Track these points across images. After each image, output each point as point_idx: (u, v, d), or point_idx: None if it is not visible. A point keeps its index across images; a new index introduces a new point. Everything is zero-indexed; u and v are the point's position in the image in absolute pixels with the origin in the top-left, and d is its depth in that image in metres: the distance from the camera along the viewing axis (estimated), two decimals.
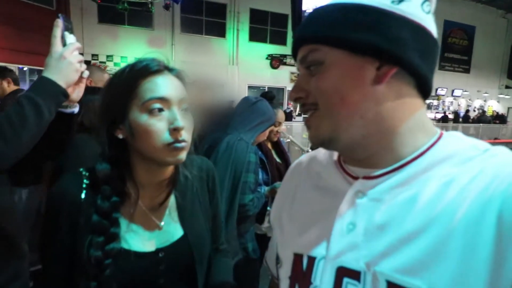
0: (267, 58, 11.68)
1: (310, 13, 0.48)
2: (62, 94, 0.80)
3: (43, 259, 0.68)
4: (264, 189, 1.72)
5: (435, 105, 15.14)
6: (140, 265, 0.67)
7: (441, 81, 14.30)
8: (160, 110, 0.63)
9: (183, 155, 0.66)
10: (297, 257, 0.50)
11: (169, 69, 0.68)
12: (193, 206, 0.78)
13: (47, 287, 0.68)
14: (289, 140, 4.43)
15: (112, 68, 9.35)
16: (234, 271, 0.91)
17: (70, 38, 0.84)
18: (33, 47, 6.66)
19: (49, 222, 0.67)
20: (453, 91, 15.24)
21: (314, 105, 0.46)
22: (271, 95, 1.83)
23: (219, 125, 1.52)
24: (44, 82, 0.78)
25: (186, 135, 0.66)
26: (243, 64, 11.31)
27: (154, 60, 0.66)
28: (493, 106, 16.57)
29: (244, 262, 1.46)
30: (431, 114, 14.43)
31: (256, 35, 11.45)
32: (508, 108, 16.64)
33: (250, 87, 11.63)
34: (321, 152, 0.58)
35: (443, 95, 15.02)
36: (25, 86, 5.96)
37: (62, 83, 0.79)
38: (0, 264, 0.87)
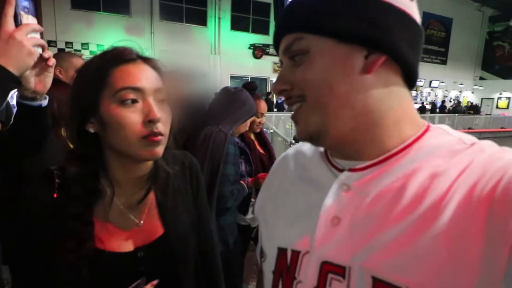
0: (249, 48, 11.57)
1: (293, 0, 0.46)
2: (11, 80, 0.71)
3: (15, 266, 0.64)
4: (247, 180, 1.70)
5: (413, 96, 15.55)
6: (118, 265, 0.64)
7: (420, 72, 14.55)
8: (134, 101, 0.59)
9: (159, 150, 0.62)
10: (281, 251, 0.49)
11: (143, 58, 0.64)
12: (174, 204, 0.74)
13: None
14: (272, 131, 4.43)
15: (88, 56, 8.96)
16: None
17: (27, 19, 0.76)
18: None
19: (20, 225, 0.63)
20: (430, 82, 15.73)
21: (300, 97, 0.45)
22: (253, 86, 1.80)
23: (198, 116, 1.48)
24: None
25: (163, 128, 0.62)
26: (225, 54, 11.16)
27: (126, 49, 0.62)
28: (468, 97, 17.24)
29: (224, 255, 1.45)
30: None
31: (238, 24, 11.29)
32: (482, 98, 17.37)
33: (232, 77, 11.52)
34: (307, 144, 0.57)
35: (421, 86, 15.46)
36: None
37: (11, 68, 0.70)
38: None
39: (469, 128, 12.01)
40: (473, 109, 14.89)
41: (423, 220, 0.38)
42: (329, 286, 0.42)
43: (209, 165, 1.37)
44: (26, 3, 0.76)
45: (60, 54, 1.91)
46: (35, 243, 0.61)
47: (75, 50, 8.91)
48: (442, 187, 0.38)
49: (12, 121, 0.93)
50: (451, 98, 16.70)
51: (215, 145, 1.37)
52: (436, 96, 16.26)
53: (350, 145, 0.45)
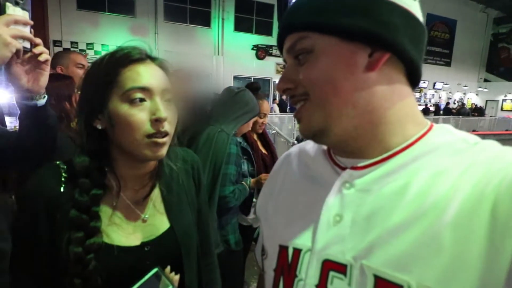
0: (252, 49, 11.56)
1: None
2: None
3: (20, 260, 0.64)
4: (250, 180, 1.71)
5: (417, 98, 15.46)
6: (125, 259, 0.65)
7: (423, 74, 14.28)
8: (142, 100, 0.61)
9: (163, 151, 0.64)
10: (283, 249, 0.49)
11: (152, 58, 0.66)
12: (179, 199, 0.76)
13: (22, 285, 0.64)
14: (275, 131, 4.43)
15: (93, 56, 9.04)
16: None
17: (14, 10, 0.73)
18: None
19: (25, 220, 0.63)
20: (434, 83, 15.60)
21: (304, 95, 0.45)
22: (256, 86, 1.80)
23: (201, 116, 1.49)
24: None
25: (169, 127, 0.63)
26: (228, 55, 11.16)
27: (135, 48, 0.64)
28: (472, 99, 17.10)
29: (226, 255, 1.46)
30: None
31: (241, 25, 11.28)
32: (486, 101, 17.21)
33: (235, 78, 11.51)
34: (311, 143, 0.57)
35: (425, 88, 15.35)
36: None
37: None
38: None
39: (474, 131, 11.89)
40: (478, 111, 14.75)
41: (426, 219, 0.38)
42: (330, 284, 0.42)
43: (211, 165, 1.37)
44: None
45: (58, 53, 1.99)
46: (41, 236, 0.62)
47: (80, 50, 8.95)
48: (445, 185, 0.38)
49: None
50: (455, 100, 16.57)
51: (217, 145, 1.37)
52: (440, 98, 16.14)
53: (353, 142, 0.45)
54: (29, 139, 0.90)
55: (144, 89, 0.61)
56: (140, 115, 0.60)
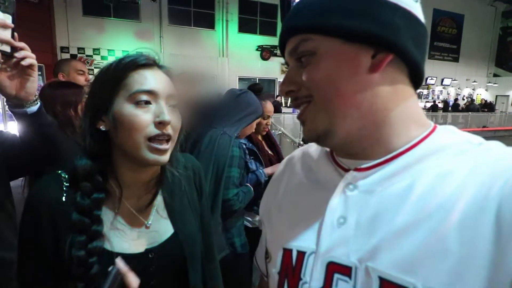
0: (257, 50, 11.59)
1: (299, 1, 0.46)
2: None
3: (26, 268, 0.65)
4: (261, 171, 1.69)
5: (425, 94, 15.29)
6: (129, 266, 0.65)
7: (431, 70, 14.43)
8: (147, 102, 0.62)
9: (165, 157, 0.64)
10: (287, 252, 0.49)
11: (159, 65, 0.68)
12: (182, 204, 0.76)
13: None
14: (280, 132, 4.42)
15: (99, 61, 9.17)
16: (222, 267, 0.90)
17: None
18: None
19: (28, 229, 0.63)
20: (442, 80, 15.41)
21: (307, 97, 0.45)
22: (258, 87, 1.81)
23: (205, 118, 1.49)
24: None
25: (172, 132, 0.64)
26: (233, 56, 11.20)
27: (143, 54, 0.66)
28: (482, 94, 16.84)
29: (232, 258, 1.45)
30: (421, 104, 14.59)
31: (245, 26, 11.32)
32: (496, 96, 16.94)
33: (240, 79, 11.55)
34: (314, 146, 0.57)
35: (432, 84, 15.17)
36: None
37: None
38: None
39: (484, 127, 11.71)
40: (487, 106, 14.52)
41: (431, 220, 0.37)
42: (335, 286, 0.42)
43: (214, 168, 1.37)
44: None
45: (59, 62, 2.15)
46: (45, 245, 0.62)
47: (87, 56, 9.10)
48: (450, 187, 0.38)
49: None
50: (464, 96, 16.34)
51: (220, 148, 1.37)
52: (448, 94, 15.93)
53: (357, 144, 0.45)
54: (23, 146, 0.89)
55: (150, 92, 0.62)
56: (144, 117, 0.61)
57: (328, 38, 0.42)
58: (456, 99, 14.88)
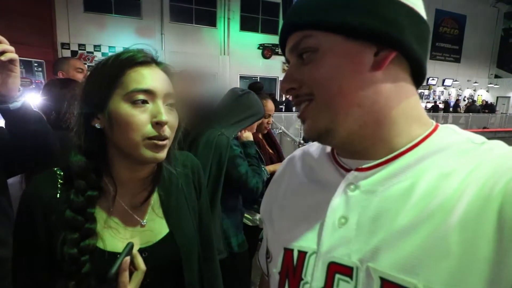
0: (258, 48, 11.57)
1: None
2: None
3: (20, 265, 0.64)
4: (263, 168, 1.69)
5: (426, 95, 15.27)
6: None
7: (432, 70, 14.41)
8: (144, 102, 0.61)
9: (162, 154, 0.63)
10: (288, 252, 0.49)
11: (157, 63, 0.66)
12: (178, 203, 0.75)
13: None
14: (281, 131, 4.41)
15: (100, 58, 9.12)
16: (221, 268, 0.89)
17: None
18: (18, 37, 6.46)
19: (23, 226, 0.63)
20: (443, 80, 15.40)
21: (308, 95, 0.44)
22: (259, 86, 1.79)
23: (204, 117, 1.47)
24: None
25: (169, 132, 0.63)
26: (234, 54, 11.19)
27: (141, 51, 0.64)
28: (483, 95, 16.81)
29: (230, 258, 1.44)
30: (422, 104, 14.54)
31: (247, 24, 11.30)
32: (497, 97, 16.92)
33: (241, 77, 11.53)
34: (314, 145, 0.57)
35: (434, 85, 15.15)
36: None
37: None
38: None
39: (484, 128, 11.70)
40: (488, 108, 14.50)
41: (432, 220, 0.37)
42: (336, 286, 0.42)
43: (212, 169, 1.36)
44: None
45: (58, 60, 2.17)
46: (39, 242, 0.62)
47: (87, 52, 9.08)
48: (451, 186, 0.38)
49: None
50: (465, 96, 16.32)
51: (217, 149, 1.35)
52: (449, 95, 15.91)
53: (359, 143, 0.44)
54: (9, 144, 0.87)
55: (147, 91, 0.61)
56: (141, 117, 0.60)
57: (331, 35, 0.42)
58: (457, 100, 14.86)
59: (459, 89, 16.15)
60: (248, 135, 1.60)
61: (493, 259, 0.33)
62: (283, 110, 9.08)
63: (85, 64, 2.22)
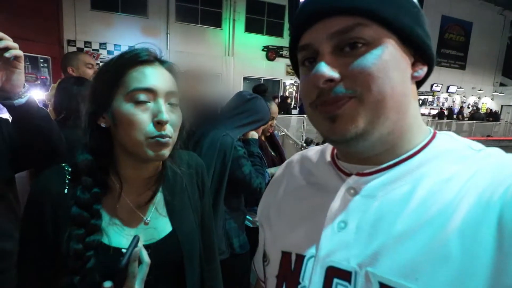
0: (263, 50, 11.57)
1: None
2: None
3: (27, 259, 0.65)
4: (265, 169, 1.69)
5: (429, 101, 15.20)
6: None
7: (437, 77, 14.35)
8: (145, 101, 0.61)
9: (165, 152, 0.63)
10: (285, 255, 0.49)
11: (160, 61, 0.66)
12: (182, 202, 0.76)
13: (29, 283, 0.65)
14: (283, 133, 4.41)
15: (105, 56, 9.20)
16: (221, 268, 0.90)
17: None
18: (25, 33, 6.51)
19: (31, 221, 0.63)
20: (448, 87, 15.32)
21: (350, 90, 0.39)
22: (263, 88, 1.79)
23: (209, 118, 1.47)
24: None
25: (171, 131, 0.64)
26: (238, 55, 11.20)
27: (145, 50, 0.64)
28: (487, 103, 16.72)
29: (231, 259, 1.44)
30: (425, 110, 14.53)
31: (252, 26, 11.32)
32: (502, 105, 16.81)
33: (245, 79, 11.54)
34: (313, 150, 0.57)
35: (438, 91, 15.09)
36: None
37: None
38: None
39: (488, 136, 11.63)
40: (493, 116, 14.43)
41: (432, 226, 0.37)
42: None
43: (216, 169, 1.36)
44: None
45: (67, 55, 2.07)
46: (46, 236, 0.62)
47: (93, 50, 9.13)
48: (451, 192, 0.38)
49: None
50: (469, 104, 16.23)
51: (222, 149, 1.35)
52: (453, 102, 15.84)
53: (376, 149, 0.43)
54: (16, 140, 0.88)
55: (148, 90, 0.61)
56: (142, 116, 0.61)
57: (387, 32, 0.39)
58: (461, 107, 14.79)
59: (464, 96, 16.07)
60: (254, 134, 1.60)
61: (493, 266, 0.33)
62: (297, 114, 9.09)
63: None
